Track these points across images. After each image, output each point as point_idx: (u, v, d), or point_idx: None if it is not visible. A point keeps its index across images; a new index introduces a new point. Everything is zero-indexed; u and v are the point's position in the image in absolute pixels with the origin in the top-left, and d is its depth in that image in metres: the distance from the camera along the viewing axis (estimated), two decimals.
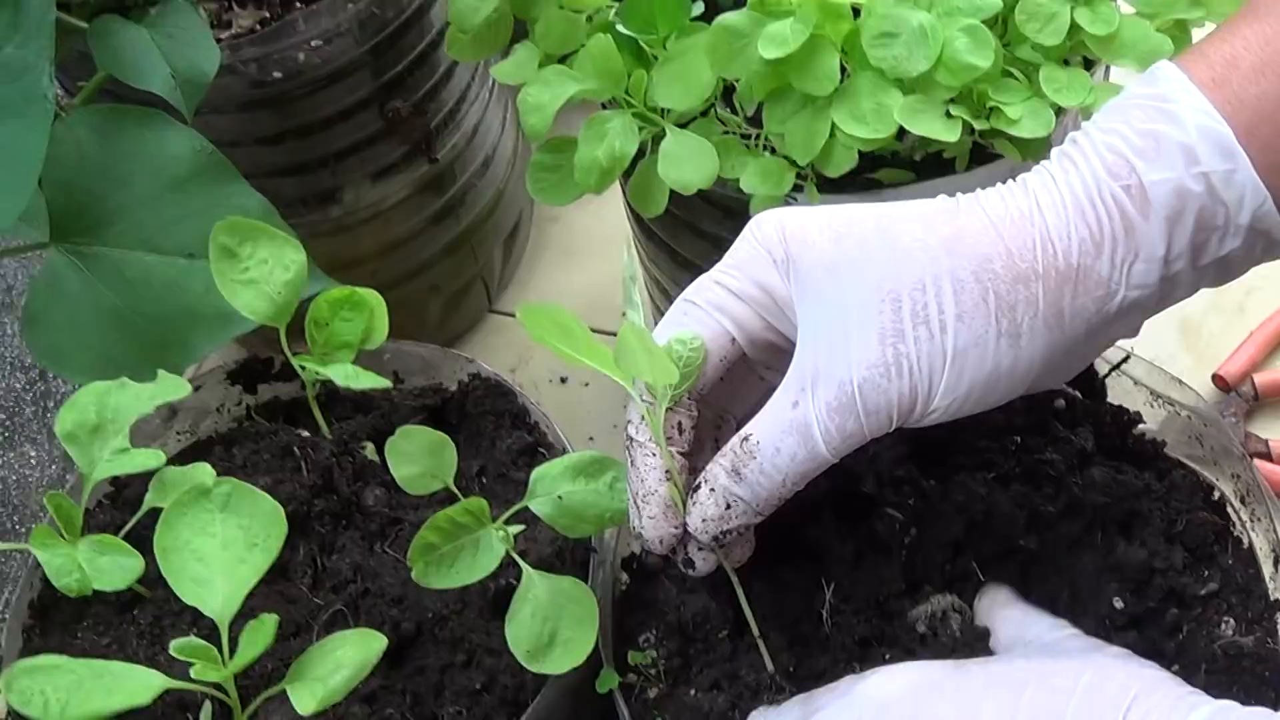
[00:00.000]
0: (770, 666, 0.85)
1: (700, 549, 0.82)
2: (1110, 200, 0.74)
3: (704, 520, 0.79)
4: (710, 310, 0.80)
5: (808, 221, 0.78)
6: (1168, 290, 0.76)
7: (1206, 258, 0.75)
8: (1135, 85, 0.77)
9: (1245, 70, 0.73)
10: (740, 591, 0.85)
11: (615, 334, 1.54)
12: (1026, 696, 0.71)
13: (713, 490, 0.79)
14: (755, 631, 0.85)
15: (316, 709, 0.80)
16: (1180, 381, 0.94)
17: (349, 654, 0.82)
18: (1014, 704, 0.70)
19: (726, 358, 0.81)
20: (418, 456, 0.89)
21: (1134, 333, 0.79)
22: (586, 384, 1.53)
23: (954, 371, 0.74)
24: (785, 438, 0.77)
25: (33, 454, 3.08)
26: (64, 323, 1.02)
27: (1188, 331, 1.38)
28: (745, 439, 0.78)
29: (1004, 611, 0.85)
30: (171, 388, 0.95)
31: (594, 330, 1.55)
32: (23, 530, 2.98)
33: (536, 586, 0.85)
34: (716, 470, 0.79)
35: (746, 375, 0.85)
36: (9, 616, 0.96)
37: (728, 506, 0.79)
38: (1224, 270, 0.76)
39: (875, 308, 0.74)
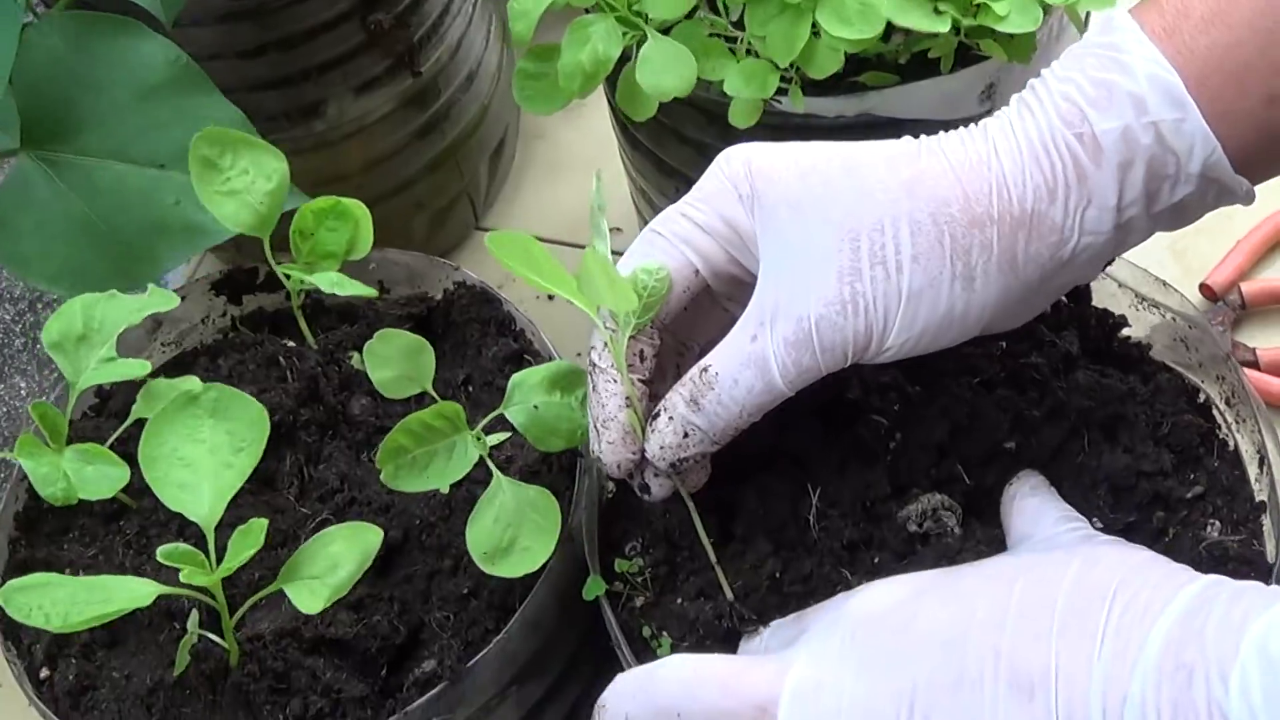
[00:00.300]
0: (729, 595, 0.85)
1: (656, 475, 0.83)
2: (1064, 147, 0.75)
3: (661, 448, 0.81)
4: (675, 241, 0.81)
5: (775, 158, 0.79)
6: (1122, 236, 0.77)
7: (1160, 205, 0.76)
8: (1092, 34, 0.78)
9: (1196, 20, 0.74)
10: (696, 518, 0.85)
11: None
12: (1017, 591, 0.71)
13: (671, 419, 0.80)
14: (711, 559, 0.85)
15: (324, 606, 0.80)
16: (1165, 284, 0.94)
17: (344, 549, 0.82)
18: (1005, 598, 0.71)
19: (690, 289, 0.82)
20: (395, 360, 0.88)
21: (1090, 278, 0.83)
22: (571, 300, 1.52)
23: (908, 312, 0.76)
24: (743, 370, 0.78)
25: (23, 385, 3.08)
26: (31, 229, 1.02)
27: (1175, 240, 1.38)
28: (704, 370, 0.79)
29: (1021, 502, 0.85)
30: (159, 299, 0.94)
31: (579, 245, 1.56)
32: (13, 464, 2.98)
33: (504, 493, 0.85)
34: (675, 399, 0.80)
35: (710, 307, 0.86)
36: None
37: (685, 435, 0.80)
38: (1178, 216, 0.78)
39: (835, 246, 0.76)
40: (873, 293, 0.75)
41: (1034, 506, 0.85)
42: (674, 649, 0.85)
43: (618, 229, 1.56)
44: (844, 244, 0.76)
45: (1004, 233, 0.75)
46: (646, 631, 0.87)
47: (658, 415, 0.81)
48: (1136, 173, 0.75)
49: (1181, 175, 0.75)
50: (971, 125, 0.79)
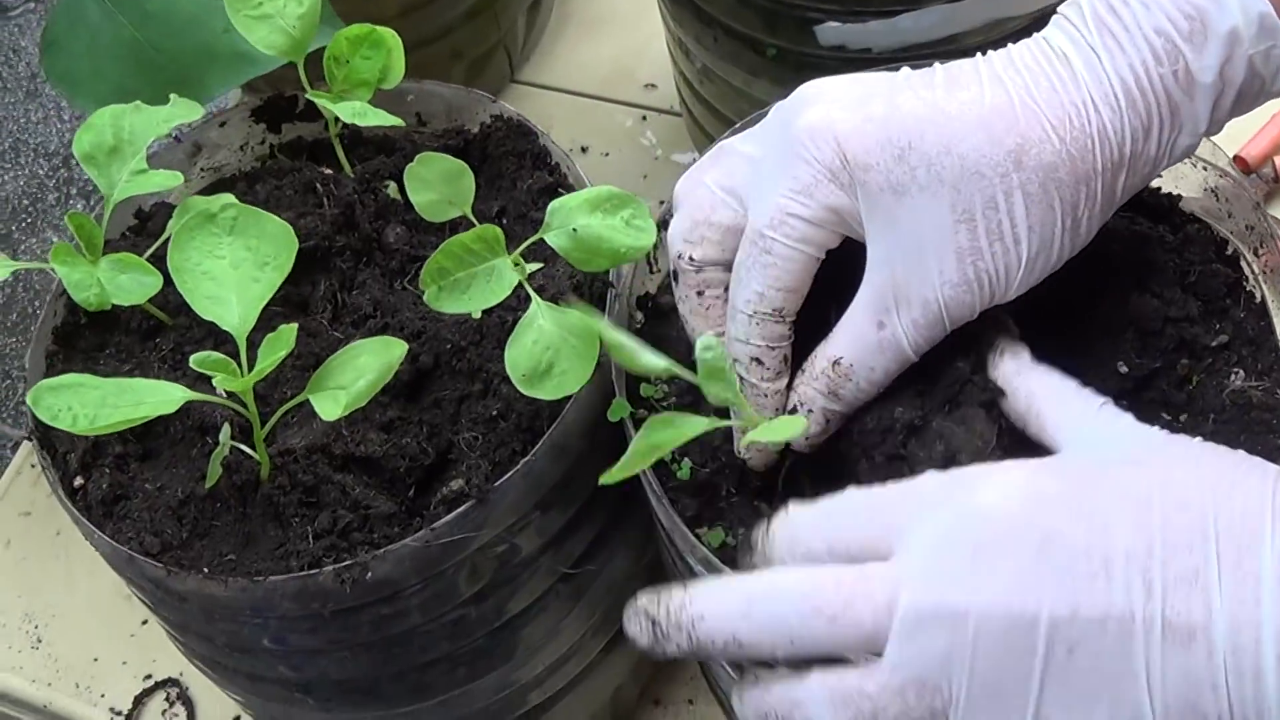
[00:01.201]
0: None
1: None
2: (1159, 86, 0.77)
3: (807, 439, 0.84)
4: (794, 243, 0.81)
5: (866, 139, 0.78)
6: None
7: (1237, 115, 0.80)
8: None
9: None
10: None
11: (636, 105, 1.55)
12: (1157, 514, 0.68)
13: (811, 412, 0.83)
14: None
15: (341, 413, 0.81)
16: None
17: (370, 360, 0.83)
18: (1148, 523, 0.68)
19: (809, 278, 0.83)
20: (435, 183, 0.89)
21: None
22: (606, 154, 1.53)
23: (1027, 272, 0.79)
24: (878, 357, 0.80)
25: (55, 239, 3.10)
26: (82, 50, 1.03)
27: None
28: (837, 363, 0.81)
29: (1026, 381, 0.81)
30: (185, 110, 0.95)
31: (615, 101, 1.57)
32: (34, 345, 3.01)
33: (543, 317, 0.86)
34: (813, 394, 0.82)
35: None
36: (33, 343, 0.97)
37: (827, 422, 0.83)
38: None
39: (951, 228, 0.77)
40: (994, 267, 0.78)
41: (1043, 385, 0.81)
42: (694, 474, 0.86)
43: (653, 85, 1.57)
44: (959, 225, 0.77)
45: (1106, 181, 0.78)
46: (667, 456, 0.88)
47: (794, 411, 0.84)
48: (1226, 99, 0.78)
49: (1265, 94, 0.79)
50: (1048, 44, 0.80)
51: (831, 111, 0.80)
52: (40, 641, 1.34)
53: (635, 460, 0.76)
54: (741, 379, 0.84)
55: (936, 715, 0.68)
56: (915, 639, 0.68)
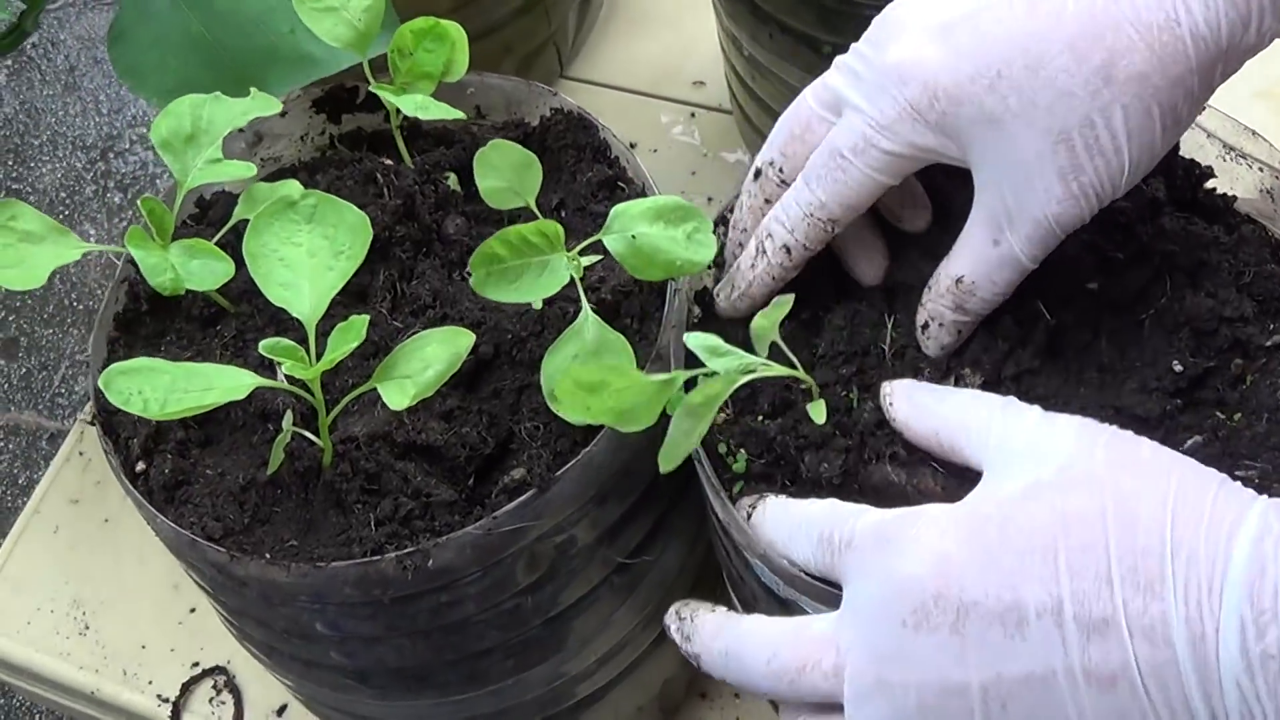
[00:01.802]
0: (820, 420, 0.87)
1: None
2: None
3: (942, 348, 0.88)
4: (870, 171, 0.84)
5: (955, 74, 0.80)
6: None
7: None
8: None
9: None
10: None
11: (683, 102, 1.56)
12: (1062, 559, 0.70)
13: (942, 325, 0.87)
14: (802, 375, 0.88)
15: (410, 403, 0.82)
16: (1254, 133, 0.94)
17: (438, 350, 0.84)
18: (1054, 571, 0.70)
19: (872, 199, 0.87)
20: (504, 171, 0.90)
21: None
22: (655, 150, 1.54)
23: (1132, 175, 0.80)
24: (998, 272, 0.84)
25: (91, 232, 3.13)
26: (148, 43, 1.04)
27: (1269, 99, 1.38)
28: (959, 280, 0.85)
29: (939, 416, 0.82)
30: (263, 103, 0.97)
31: (662, 98, 1.58)
32: (80, 307, 3.03)
33: (589, 330, 0.88)
34: (941, 309, 0.86)
35: None
36: (95, 328, 0.98)
37: (959, 333, 0.87)
38: None
39: (1050, 150, 0.79)
40: (1098, 178, 0.79)
41: (943, 417, 0.81)
42: (749, 465, 0.87)
43: (701, 82, 1.57)
44: (1058, 145, 0.78)
45: (1204, 75, 0.78)
46: (723, 448, 0.89)
47: (926, 325, 0.87)
48: None
49: None
50: None
51: (919, 46, 0.81)
52: (88, 628, 1.35)
53: (678, 445, 0.80)
54: (760, 253, 0.89)
55: None
56: (864, 708, 0.73)
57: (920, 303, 0.88)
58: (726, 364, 0.81)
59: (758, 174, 0.91)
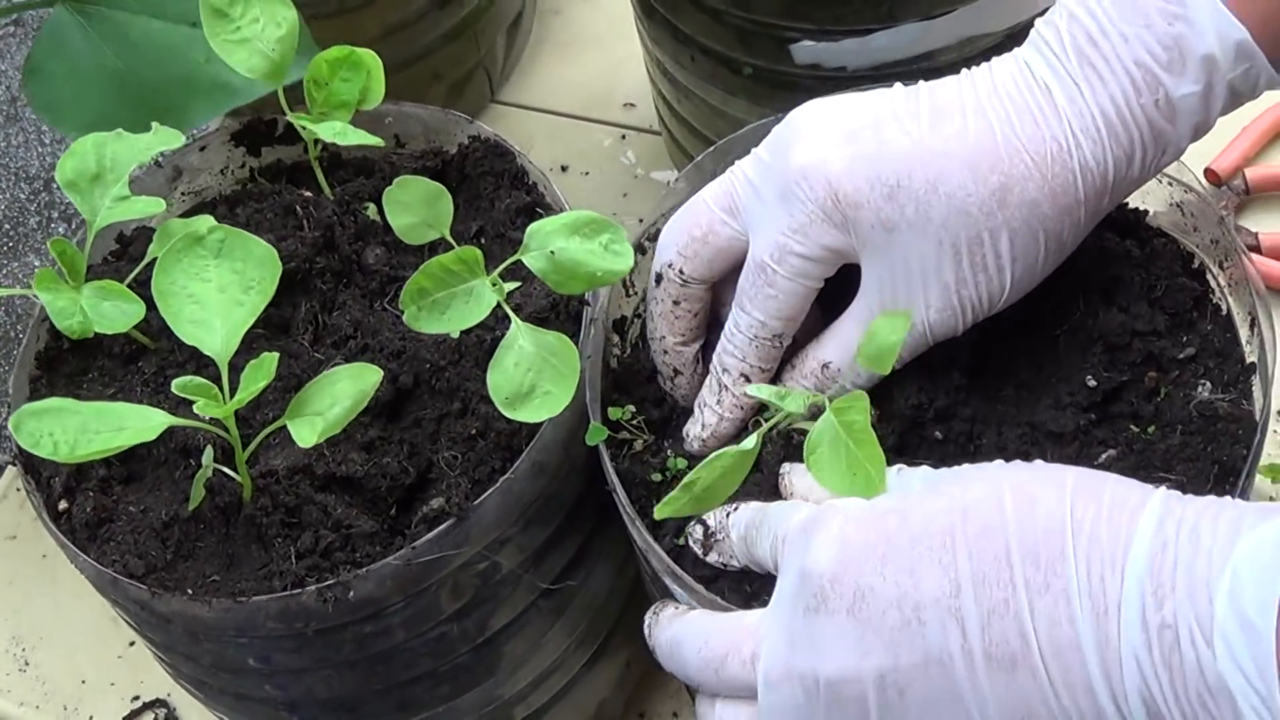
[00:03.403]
0: None
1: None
2: (1140, 116, 0.80)
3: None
4: (793, 278, 0.86)
5: (856, 179, 0.82)
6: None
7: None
8: None
9: None
10: None
11: (615, 124, 1.56)
12: (960, 549, 0.71)
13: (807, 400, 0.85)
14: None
15: (317, 440, 0.82)
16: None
17: (346, 387, 0.84)
18: (951, 561, 0.71)
19: (807, 306, 0.88)
20: (414, 206, 0.90)
21: None
22: (586, 173, 1.54)
23: (1012, 294, 0.84)
24: (861, 367, 0.86)
25: (36, 263, 3.09)
26: (64, 78, 1.04)
27: None
28: (826, 365, 0.88)
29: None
30: (166, 138, 0.97)
31: (594, 121, 1.58)
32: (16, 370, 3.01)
33: (523, 338, 0.87)
34: (803, 389, 0.88)
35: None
36: (16, 367, 0.98)
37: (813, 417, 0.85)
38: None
39: (936, 262, 0.82)
40: (978, 293, 0.83)
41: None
42: (689, 468, 0.88)
43: (631, 104, 1.58)
44: (946, 258, 0.81)
45: (1090, 207, 0.82)
46: (656, 466, 0.90)
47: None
48: (1208, 119, 0.82)
49: (1243, 103, 0.83)
50: (1030, 72, 0.83)
51: (824, 150, 0.83)
52: (28, 664, 1.35)
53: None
54: (721, 389, 0.89)
55: None
56: (774, 694, 0.75)
57: (781, 379, 0.90)
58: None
59: (659, 279, 0.92)
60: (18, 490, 1.45)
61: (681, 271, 0.90)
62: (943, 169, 0.81)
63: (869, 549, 0.73)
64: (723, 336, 0.89)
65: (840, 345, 0.87)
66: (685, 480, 0.82)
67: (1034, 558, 0.69)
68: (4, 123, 3.41)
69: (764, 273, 0.85)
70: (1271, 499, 1.25)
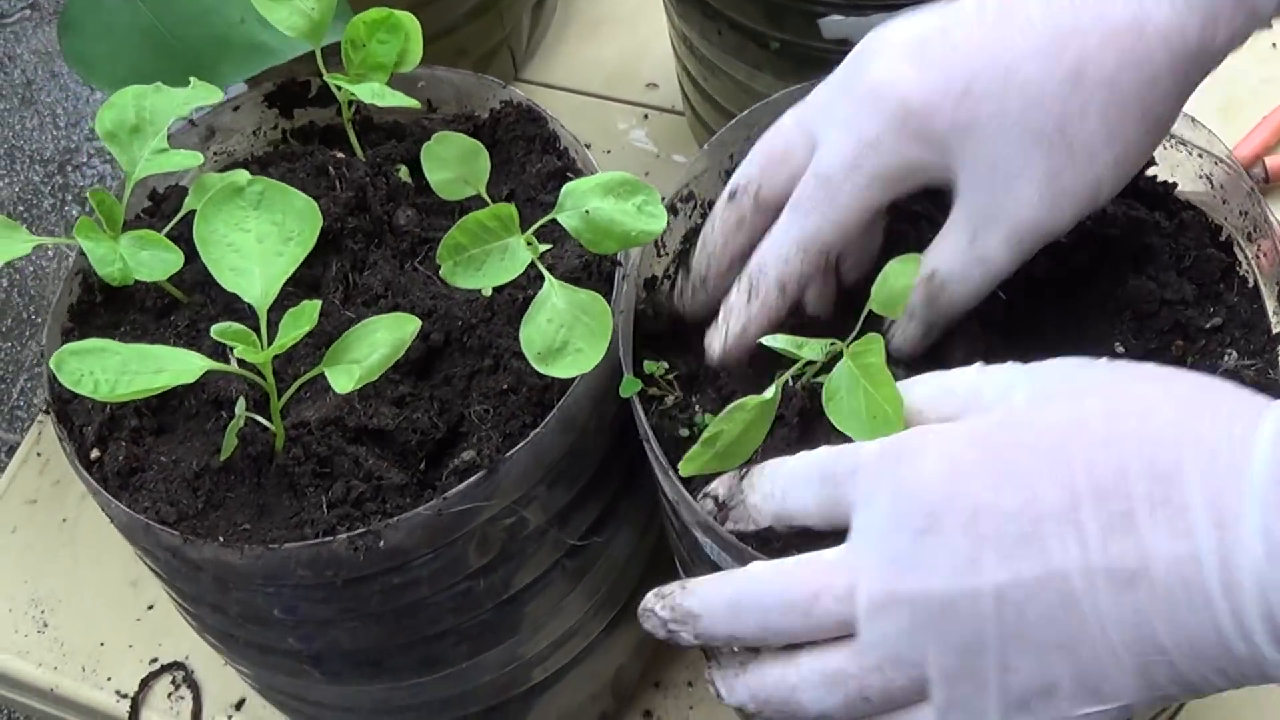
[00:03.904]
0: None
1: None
2: None
3: (909, 342, 0.88)
4: (858, 193, 0.85)
5: (927, 89, 0.81)
6: None
7: None
8: None
9: None
10: None
11: (637, 104, 1.57)
12: (1078, 463, 0.69)
13: (912, 318, 0.87)
14: None
15: (354, 387, 0.83)
16: (1193, 120, 0.95)
17: (384, 336, 0.85)
18: (1069, 475, 0.69)
19: (864, 227, 0.88)
20: (452, 162, 0.91)
21: None
22: (608, 151, 1.55)
23: (1115, 181, 0.82)
24: (971, 269, 0.84)
25: (50, 247, 3.12)
26: (99, 32, 1.05)
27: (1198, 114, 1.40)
28: (932, 274, 0.85)
29: (917, 397, 0.82)
30: (205, 93, 0.97)
31: (616, 100, 1.59)
32: (38, 320, 3.02)
33: (556, 295, 0.88)
34: (913, 302, 0.86)
35: None
36: (49, 319, 0.99)
37: (927, 328, 0.87)
38: None
39: (1023, 156, 0.80)
40: (1075, 184, 0.81)
41: (922, 398, 0.81)
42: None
43: (654, 84, 1.59)
44: (1032, 152, 0.80)
45: (1176, 73, 0.80)
46: (684, 422, 0.91)
47: (893, 323, 0.88)
48: None
49: None
50: None
51: (893, 64, 0.83)
52: (46, 626, 1.35)
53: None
54: (753, 294, 0.89)
55: (917, 683, 0.72)
56: (879, 623, 0.72)
57: None
58: (814, 348, 0.83)
59: (732, 195, 0.91)
60: (38, 455, 1.46)
61: (758, 192, 0.89)
62: (1013, 61, 0.79)
63: (981, 465, 0.71)
64: (765, 243, 0.88)
65: (947, 253, 0.85)
66: (705, 435, 0.82)
67: (1151, 470, 0.67)
68: (19, 106, 3.43)
69: (828, 183, 0.85)
70: None
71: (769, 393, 0.82)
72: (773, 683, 0.77)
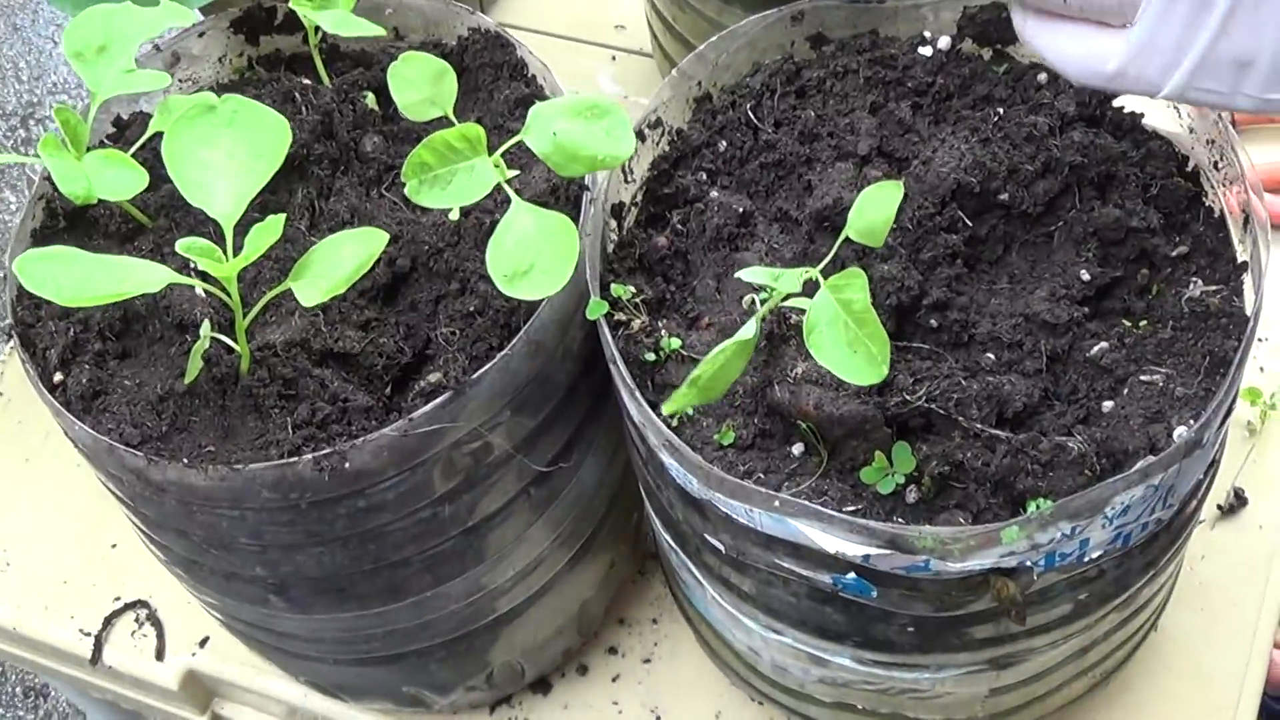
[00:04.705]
0: None
1: None
2: None
3: None
4: None
5: None
6: None
7: None
8: None
9: None
10: None
11: (605, 46, 1.56)
12: None
13: None
14: None
15: (322, 299, 0.83)
16: None
17: (352, 250, 0.84)
18: None
19: None
20: (419, 83, 0.90)
21: None
22: (576, 93, 1.54)
23: None
24: None
25: (13, 200, 3.10)
26: None
27: None
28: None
29: None
30: (175, 13, 0.96)
31: (583, 42, 1.58)
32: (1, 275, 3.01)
33: (523, 217, 0.87)
34: None
35: None
36: (12, 242, 0.98)
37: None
38: None
39: None
40: None
41: None
42: (682, 348, 0.89)
43: (622, 26, 1.58)
44: None
45: None
46: (650, 346, 0.91)
47: None
48: None
49: None
50: None
51: None
52: (9, 565, 1.35)
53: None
54: None
55: (1123, 8, 0.73)
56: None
57: None
58: (790, 280, 0.83)
59: None
60: (0, 394, 1.45)
61: None
62: None
63: None
64: None
65: None
66: (691, 377, 0.82)
67: None
68: None
69: None
70: (1250, 422, 1.26)
71: (747, 331, 0.82)
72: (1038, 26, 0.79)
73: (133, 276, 0.83)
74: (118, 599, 1.32)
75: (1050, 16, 0.77)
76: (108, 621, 1.30)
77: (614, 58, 1.58)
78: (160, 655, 1.28)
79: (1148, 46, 0.73)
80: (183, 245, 0.84)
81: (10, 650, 1.35)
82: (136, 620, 1.30)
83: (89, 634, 1.30)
